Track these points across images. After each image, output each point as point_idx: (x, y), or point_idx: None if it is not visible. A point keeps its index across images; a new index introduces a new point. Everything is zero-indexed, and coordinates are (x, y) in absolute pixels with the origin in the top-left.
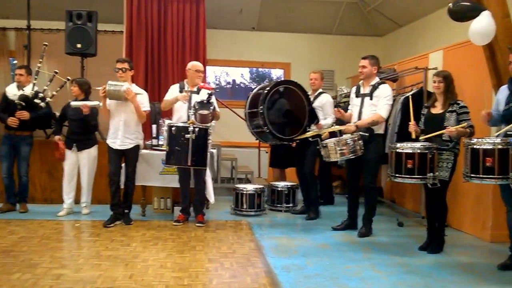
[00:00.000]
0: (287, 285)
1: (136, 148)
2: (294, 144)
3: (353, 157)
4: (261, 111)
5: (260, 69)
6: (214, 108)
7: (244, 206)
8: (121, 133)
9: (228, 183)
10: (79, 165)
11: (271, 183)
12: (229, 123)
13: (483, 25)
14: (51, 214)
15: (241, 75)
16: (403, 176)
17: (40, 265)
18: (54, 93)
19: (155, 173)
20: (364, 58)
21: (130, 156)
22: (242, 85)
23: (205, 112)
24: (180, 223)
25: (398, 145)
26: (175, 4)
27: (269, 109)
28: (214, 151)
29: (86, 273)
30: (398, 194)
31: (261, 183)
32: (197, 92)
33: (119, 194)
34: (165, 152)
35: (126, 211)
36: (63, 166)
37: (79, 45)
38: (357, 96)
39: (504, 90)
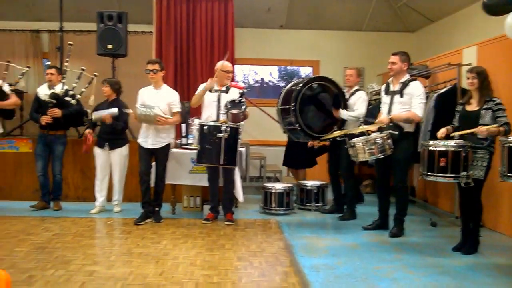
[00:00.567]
0: (316, 285)
1: (167, 147)
2: (315, 144)
3: (383, 156)
4: (293, 108)
5: (288, 67)
6: (246, 107)
7: (273, 205)
8: (152, 132)
9: (257, 182)
10: (111, 164)
11: (300, 181)
12: (258, 122)
13: None
14: (84, 211)
15: (269, 74)
16: (435, 174)
17: (73, 262)
18: (83, 90)
19: (184, 171)
20: (394, 54)
21: (161, 155)
22: (270, 83)
23: (236, 111)
24: (210, 221)
25: (431, 142)
26: (203, 4)
27: (301, 106)
28: (243, 149)
29: (117, 269)
30: (431, 193)
31: (290, 182)
32: (226, 91)
33: (150, 193)
34: (194, 151)
35: (156, 209)
36: (95, 164)
37: (110, 46)
38: (386, 94)
39: None
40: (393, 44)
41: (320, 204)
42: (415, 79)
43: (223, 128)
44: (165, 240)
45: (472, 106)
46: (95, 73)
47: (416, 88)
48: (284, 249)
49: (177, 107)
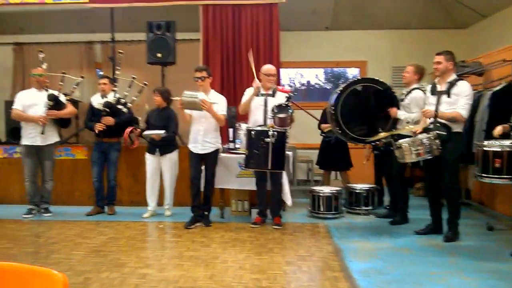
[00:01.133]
0: None
1: (216, 152)
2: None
3: (430, 157)
4: (332, 111)
5: (335, 69)
6: (293, 111)
7: (321, 209)
8: (201, 138)
9: (304, 185)
10: (162, 169)
11: (349, 185)
12: (304, 125)
13: None
14: (136, 216)
15: (315, 76)
16: (490, 176)
17: (127, 265)
18: (134, 98)
19: (232, 176)
20: (438, 54)
21: (210, 160)
22: (316, 86)
23: (283, 115)
24: (258, 225)
25: (486, 142)
26: (248, 9)
27: (345, 109)
28: (290, 153)
29: (169, 272)
30: (487, 195)
31: (339, 185)
32: (273, 95)
33: (200, 197)
34: (242, 155)
35: (206, 213)
36: (147, 170)
37: (159, 55)
38: (433, 94)
39: None
40: (444, 42)
41: (370, 207)
42: (462, 79)
43: (270, 132)
44: (215, 244)
45: None
46: (145, 82)
47: (464, 88)
48: (333, 254)
49: (223, 111)
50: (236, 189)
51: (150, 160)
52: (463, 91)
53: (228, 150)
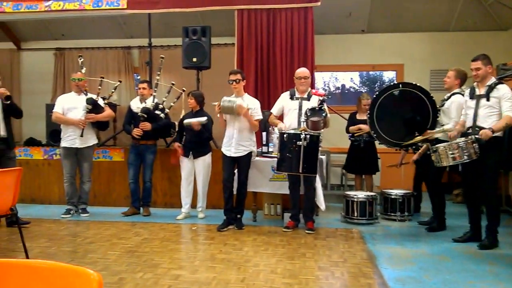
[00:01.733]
0: None
1: (249, 155)
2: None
3: (467, 161)
4: (368, 115)
5: (370, 72)
6: (326, 114)
7: (355, 214)
8: (235, 141)
9: (338, 190)
10: (195, 171)
11: (384, 190)
12: (339, 129)
13: None
14: (170, 217)
15: (350, 79)
16: None
17: (161, 266)
18: (172, 104)
19: (265, 179)
20: (474, 60)
21: (243, 163)
22: (352, 89)
23: (316, 118)
24: (290, 230)
25: None
26: (283, 13)
27: (381, 114)
28: (324, 157)
29: (201, 274)
30: None
31: (373, 190)
32: (308, 99)
33: (232, 200)
34: (275, 159)
35: (238, 216)
36: (181, 172)
37: (194, 59)
38: (471, 98)
39: None
40: (484, 44)
41: (406, 213)
42: (502, 82)
43: (302, 136)
44: (247, 247)
45: None
46: (184, 88)
47: (504, 91)
48: (367, 260)
49: (258, 115)
50: (269, 193)
51: (184, 163)
52: (504, 94)
53: (261, 154)
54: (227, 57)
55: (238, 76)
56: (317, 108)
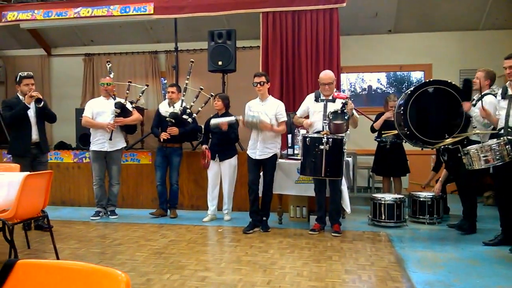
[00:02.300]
0: None
1: (274, 157)
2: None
3: (500, 164)
4: (401, 111)
5: (398, 73)
6: (349, 117)
7: (383, 217)
8: (260, 143)
9: (365, 193)
10: (221, 174)
11: (412, 192)
12: (365, 130)
13: None
14: (197, 219)
15: (377, 80)
16: None
17: (187, 267)
18: (200, 109)
19: (291, 181)
20: (508, 58)
21: (268, 165)
22: (378, 90)
23: (339, 122)
24: (316, 232)
25: None
26: (308, 15)
27: (413, 111)
28: (350, 159)
29: (227, 276)
30: None
31: (401, 193)
32: (333, 100)
33: (258, 202)
34: (300, 161)
35: (264, 218)
36: (207, 175)
37: (220, 63)
38: (503, 98)
39: None
40: None
41: (435, 216)
42: None
43: (324, 139)
44: (272, 250)
45: None
46: (212, 93)
47: None
48: (395, 264)
49: (283, 117)
50: (294, 195)
51: (211, 165)
52: None
53: (287, 156)
54: (252, 60)
55: (263, 79)
56: (339, 111)
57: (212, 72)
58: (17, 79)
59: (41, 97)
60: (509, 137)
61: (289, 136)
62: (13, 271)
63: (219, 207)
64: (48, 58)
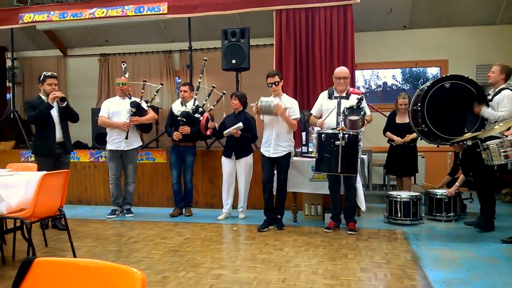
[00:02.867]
0: None
1: (288, 155)
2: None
3: None
4: (419, 108)
5: (413, 69)
6: (365, 113)
7: (399, 215)
8: (273, 142)
9: (381, 190)
10: (237, 172)
11: (429, 190)
12: (380, 128)
13: None
14: (212, 218)
15: (392, 77)
16: None
17: (202, 265)
18: (212, 107)
19: (305, 179)
20: None
21: (282, 163)
22: (394, 87)
23: (355, 117)
24: (331, 230)
25: None
26: (322, 12)
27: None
28: (365, 156)
29: (242, 274)
30: None
31: (417, 190)
32: (347, 98)
33: (272, 200)
34: (314, 159)
35: (278, 216)
36: (222, 173)
37: (234, 61)
38: None
39: None
40: None
41: (452, 214)
42: None
43: (340, 135)
44: (287, 248)
45: None
46: (224, 91)
47: None
48: (411, 262)
49: (295, 114)
50: (309, 193)
51: (226, 163)
52: None
53: (301, 154)
54: (266, 57)
55: (276, 78)
56: (355, 107)
57: (226, 70)
58: (41, 78)
59: (64, 96)
60: None
61: (303, 133)
62: (31, 269)
63: (234, 205)
64: (64, 58)
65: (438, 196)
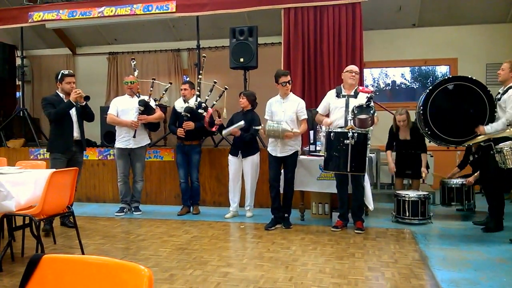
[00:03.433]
0: None
1: (295, 154)
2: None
3: None
4: (420, 111)
5: (422, 67)
6: (375, 112)
7: (407, 214)
8: (280, 141)
9: (389, 189)
10: (243, 171)
11: (443, 179)
12: (389, 127)
13: None
14: (219, 216)
15: (401, 75)
16: None
17: (210, 263)
18: (214, 102)
19: (313, 178)
20: None
21: (289, 162)
22: (403, 85)
23: (364, 116)
24: (339, 229)
25: None
26: (330, 10)
27: (434, 109)
28: (373, 155)
29: (249, 272)
30: None
31: (426, 189)
32: (355, 96)
33: (279, 199)
34: (322, 158)
35: (285, 215)
36: (229, 172)
37: (241, 60)
38: None
39: None
40: None
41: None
42: None
43: (349, 134)
44: (294, 246)
45: None
46: (226, 86)
47: None
48: (419, 261)
49: (304, 115)
50: (316, 192)
51: (232, 162)
52: None
53: (309, 153)
54: (274, 56)
55: (289, 78)
56: (364, 106)
57: (234, 69)
58: (59, 77)
59: (88, 95)
60: None
61: (311, 132)
62: (39, 265)
63: (241, 204)
64: (73, 57)
65: (452, 186)
